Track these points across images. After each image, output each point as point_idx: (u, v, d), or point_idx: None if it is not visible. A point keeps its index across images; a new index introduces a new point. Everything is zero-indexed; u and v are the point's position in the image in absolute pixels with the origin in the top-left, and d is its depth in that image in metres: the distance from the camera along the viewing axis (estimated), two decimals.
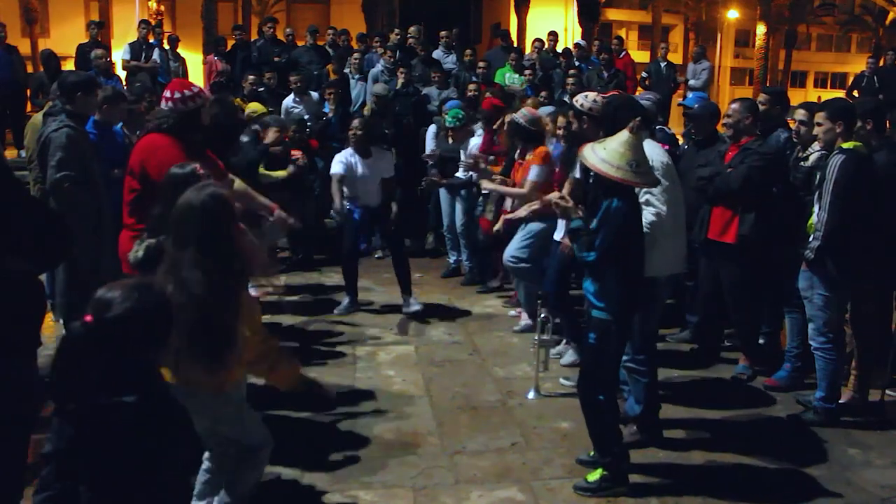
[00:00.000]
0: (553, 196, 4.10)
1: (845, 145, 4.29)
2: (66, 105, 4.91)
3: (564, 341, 5.41)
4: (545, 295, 5.08)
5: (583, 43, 12.73)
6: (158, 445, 2.02)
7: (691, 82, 12.21)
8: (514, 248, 5.56)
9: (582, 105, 4.37)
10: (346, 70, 10.24)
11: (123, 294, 2.01)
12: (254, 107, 7.52)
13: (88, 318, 1.98)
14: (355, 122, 6.48)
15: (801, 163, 4.83)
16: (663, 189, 3.95)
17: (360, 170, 6.32)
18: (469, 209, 7.22)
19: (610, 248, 3.50)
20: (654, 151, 4.02)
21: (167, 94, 3.98)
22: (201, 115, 4.03)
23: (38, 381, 2.89)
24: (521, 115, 5.67)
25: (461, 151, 7.07)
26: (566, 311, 5.25)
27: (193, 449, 2.25)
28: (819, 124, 4.42)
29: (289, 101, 9.16)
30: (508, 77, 10.35)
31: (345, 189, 6.33)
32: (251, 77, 9.26)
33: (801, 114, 4.99)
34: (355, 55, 10.48)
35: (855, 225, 4.25)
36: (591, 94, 4.48)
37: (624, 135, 3.50)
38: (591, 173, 3.60)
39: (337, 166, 6.33)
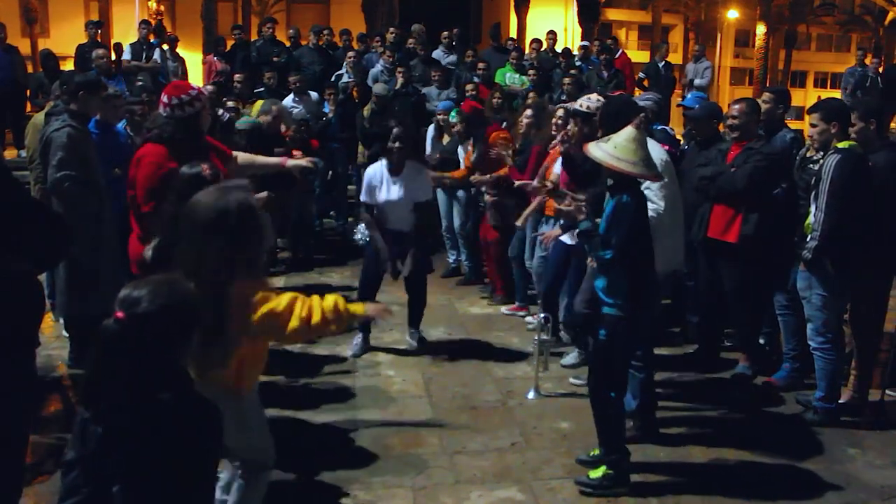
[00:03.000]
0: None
1: (841, 145, 4.29)
2: (69, 104, 4.91)
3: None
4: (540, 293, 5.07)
5: (587, 45, 12.74)
6: (193, 444, 2.00)
7: (696, 82, 12.18)
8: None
9: (589, 108, 4.35)
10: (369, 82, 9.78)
11: (153, 290, 2.00)
12: (259, 105, 7.55)
13: (120, 314, 1.96)
14: (397, 131, 5.37)
15: (810, 165, 4.79)
16: (662, 186, 3.96)
17: (388, 193, 5.33)
18: (468, 210, 7.21)
19: (626, 243, 3.49)
20: (654, 149, 4.02)
21: (164, 99, 3.90)
22: (201, 118, 3.96)
23: (36, 381, 2.89)
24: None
25: (461, 151, 7.03)
26: (555, 312, 5.29)
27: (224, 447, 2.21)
28: (813, 125, 4.42)
29: (289, 100, 9.15)
30: (509, 77, 10.36)
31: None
32: (237, 76, 9.21)
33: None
34: (350, 54, 10.44)
35: (853, 224, 4.25)
36: (594, 96, 4.47)
37: (631, 130, 3.50)
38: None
39: (363, 193, 5.45)
